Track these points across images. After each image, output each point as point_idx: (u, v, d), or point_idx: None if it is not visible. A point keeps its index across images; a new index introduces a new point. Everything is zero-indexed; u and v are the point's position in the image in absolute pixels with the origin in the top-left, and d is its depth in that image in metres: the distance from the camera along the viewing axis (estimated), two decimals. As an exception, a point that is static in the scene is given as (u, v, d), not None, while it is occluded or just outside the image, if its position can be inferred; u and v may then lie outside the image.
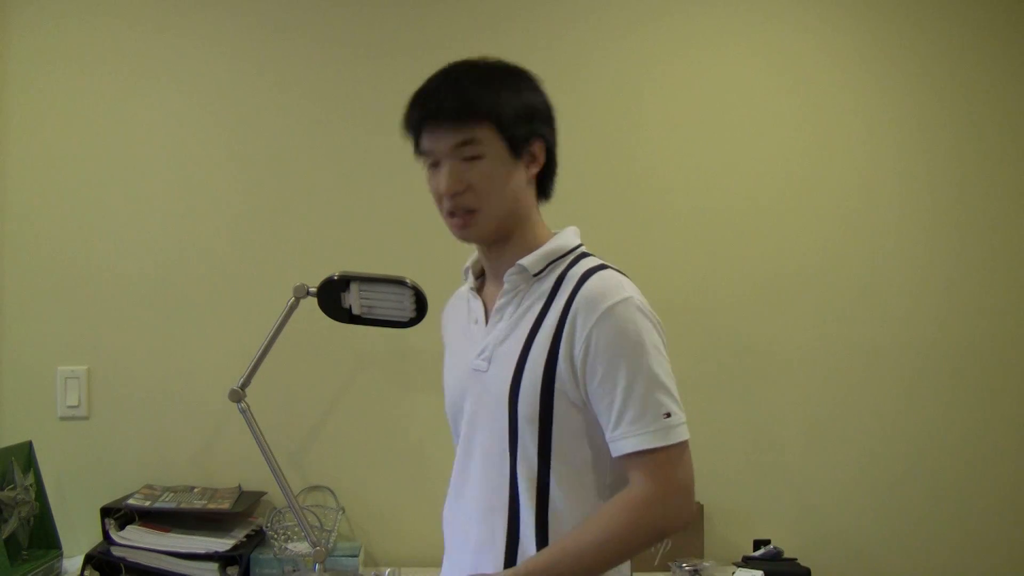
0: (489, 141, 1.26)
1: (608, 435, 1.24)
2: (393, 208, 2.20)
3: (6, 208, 2.17)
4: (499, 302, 1.33)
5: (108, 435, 2.17)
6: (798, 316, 2.22)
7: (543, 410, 1.25)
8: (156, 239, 2.19)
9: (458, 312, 1.45)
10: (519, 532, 1.27)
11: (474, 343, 1.35)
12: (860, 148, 2.24)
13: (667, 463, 1.21)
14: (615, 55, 2.22)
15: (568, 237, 1.35)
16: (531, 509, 1.26)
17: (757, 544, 2.12)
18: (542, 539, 1.25)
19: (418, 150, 1.32)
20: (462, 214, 1.27)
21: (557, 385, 1.24)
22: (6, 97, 2.17)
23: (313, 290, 1.91)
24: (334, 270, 1.90)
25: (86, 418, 2.17)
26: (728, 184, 2.23)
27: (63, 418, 2.16)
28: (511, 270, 1.31)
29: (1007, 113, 2.24)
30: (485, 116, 1.25)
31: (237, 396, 1.92)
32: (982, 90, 2.24)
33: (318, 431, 2.20)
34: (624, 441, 1.22)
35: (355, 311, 1.89)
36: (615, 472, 1.28)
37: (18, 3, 2.17)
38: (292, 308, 1.94)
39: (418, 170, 2.15)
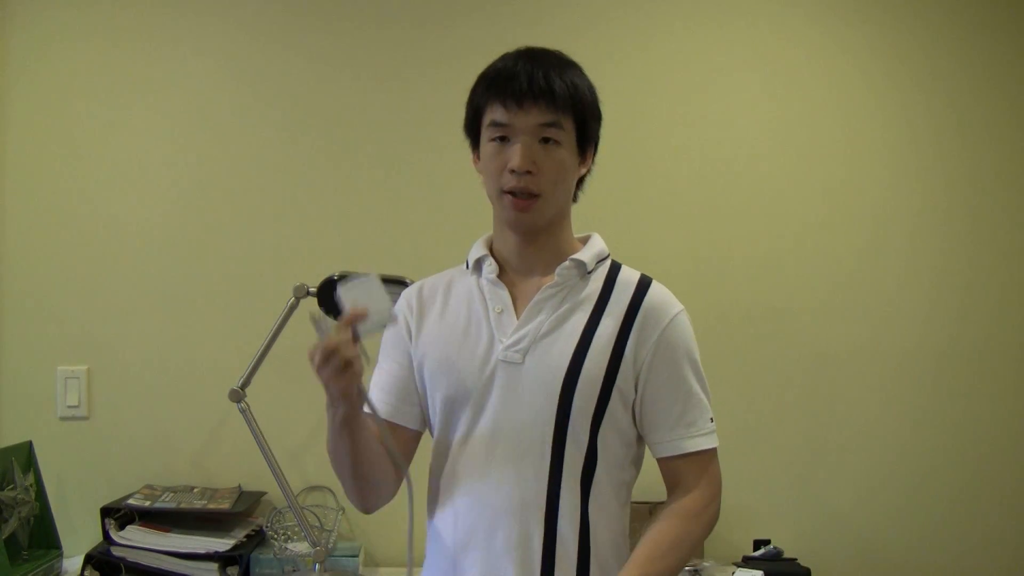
0: (568, 131, 1.27)
1: (660, 435, 1.31)
2: (393, 208, 2.20)
3: (6, 208, 2.17)
4: (542, 294, 1.31)
5: (108, 435, 2.17)
6: (797, 317, 2.22)
7: (598, 405, 1.27)
8: (156, 239, 2.19)
9: (453, 300, 1.37)
10: (557, 529, 1.26)
11: (497, 334, 1.30)
12: (883, 152, 2.23)
13: (712, 463, 1.33)
14: (628, 61, 2.22)
15: (602, 241, 1.39)
16: (574, 505, 1.27)
17: (757, 544, 2.13)
18: (584, 535, 1.27)
19: (481, 122, 1.29)
20: (524, 196, 1.27)
21: (617, 383, 1.28)
22: (5, 96, 2.17)
23: (313, 290, 1.92)
24: (334, 270, 1.91)
25: (86, 418, 2.17)
26: (732, 186, 2.23)
27: (63, 418, 2.16)
28: (565, 264, 1.32)
29: (995, 111, 2.24)
30: (572, 106, 1.26)
31: (237, 396, 1.92)
32: (970, 87, 2.24)
33: (318, 431, 2.18)
34: (684, 441, 1.30)
35: (355, 311, 1.90)
36: (636, 470, 1.36)
37: (18, 2, 2.17)
38: (292, 308, 1.94)
39: (418, 170, 2.20)
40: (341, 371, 1.14)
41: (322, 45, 2.21)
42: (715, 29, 2.24)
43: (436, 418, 1.35)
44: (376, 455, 1.29)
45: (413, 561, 1.32)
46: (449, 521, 1.31)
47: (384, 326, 1.25)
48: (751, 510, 2.19)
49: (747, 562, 2.06)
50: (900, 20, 2.24)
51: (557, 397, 1.26)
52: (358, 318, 1.17)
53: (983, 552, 2.21)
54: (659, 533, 1.28)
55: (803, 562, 2.07)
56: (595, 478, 1.28)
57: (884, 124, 2.24)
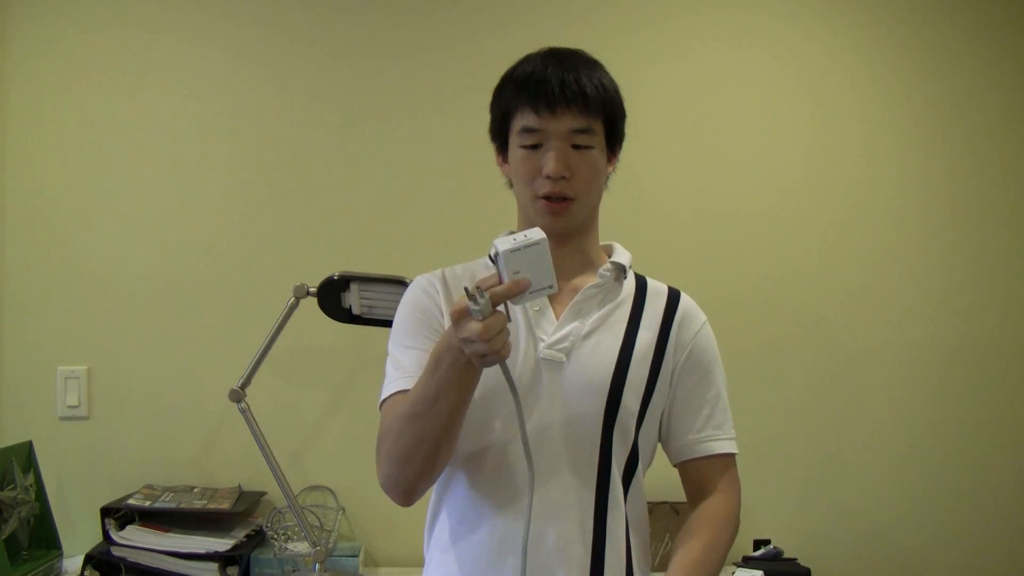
0: (599, 134, 1.28)
1: (689, 436, 1.34)
2: (393, 208, 2.20)
3: (6, 208, 2.17)
4: (584, 295, 1.31)
5: (108, 435, 2.17)
6: (796, 317, 2.22)
7: (642, 405, 1.29)
8: (156, 239, 2.19)
9: None
10: (606, 528, 1.26)
11: (536, 332, 1.28)
12: (860, 151, 2.24)
13: (735, 468, 1.39)
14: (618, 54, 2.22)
15: (624, 248, 1.41)
16: (620, 503, 1.28)
17: (757, 544, 2.13)
18: (627, 534, 1.28)
19: (510, 127, 1.28)
20: (558, 200, 1.27)
21: (658, 384, 1.31)
22: (6, 97, 2.17)
23: (313, 290, 1.92)
24: (334, 270, 1.91)
25: (86, 418, 2.17)
26: (724, 187, 2.23)
27: (63, 418, 2.16)
28: (607, 266, 1.33)
29: (1006, 116, 2.24)
30: (603, 109, 1.27)
31: (237, 396, 1.92)
32: (978, 94, 2.24)
33: (318, 431, 2.20)
34: (713, 443, 1.35)
35: (355, 311, 1.90)
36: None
37: (18, 1, 2.17)
38: (292, 308, 1.94)
39: (420, 170, 2.20)
40: (485, 357, 1.06)
41: (323, 44, 2.21)
42: (725, 31, 2.24)
43: (469, 417, 1.23)
44: (460, 427, 1.21)
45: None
46: (486, 526, 1.26)
47: (540, 297, 1.13)
48: (751, 510, 2.17)
49: (747, 562, 2.06)
50: (912, 24, 2.24)
51: (606, 396, 1.26)
52: (519, 293, 1.06)
53: (987, 552, 2.21)
54: (698, 542, 1.29)
55: (803, 562, 2.07)
56: (635, 477, 1.31)
57: (896, 130, 2.24)
